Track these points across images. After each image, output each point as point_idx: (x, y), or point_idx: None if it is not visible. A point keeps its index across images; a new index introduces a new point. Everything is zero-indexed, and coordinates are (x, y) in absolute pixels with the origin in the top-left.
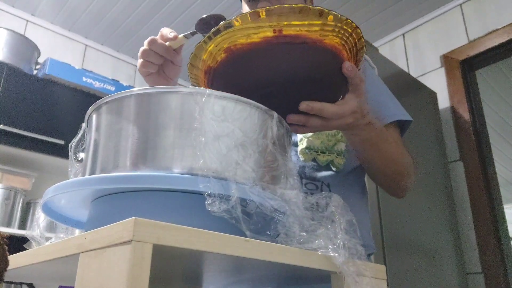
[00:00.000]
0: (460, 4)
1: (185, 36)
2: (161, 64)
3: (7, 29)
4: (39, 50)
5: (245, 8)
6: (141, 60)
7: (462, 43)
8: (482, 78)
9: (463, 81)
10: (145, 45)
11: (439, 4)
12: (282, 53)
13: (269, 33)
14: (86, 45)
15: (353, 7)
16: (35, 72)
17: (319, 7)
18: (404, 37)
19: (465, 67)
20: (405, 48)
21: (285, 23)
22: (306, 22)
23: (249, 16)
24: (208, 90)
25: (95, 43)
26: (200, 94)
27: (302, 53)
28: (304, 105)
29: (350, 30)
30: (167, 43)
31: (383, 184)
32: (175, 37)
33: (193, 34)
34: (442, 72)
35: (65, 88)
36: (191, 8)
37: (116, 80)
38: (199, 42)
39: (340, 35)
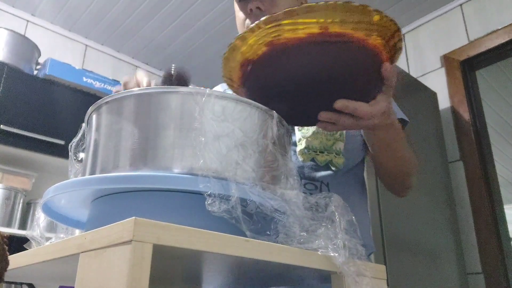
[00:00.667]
0: (461, 4)
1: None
2: None
3: (7, 29)
4: (39, 50)
5: (237, 8)
6: None
7: (463, 43)
8: (482, 78)
9: (464, 81)
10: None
11: (440, 4)
12: (325, 50)
13: (315, 30)
14: (87, 45)
15: None
16: (35, 72)
17: (367, 6)
18: (404, 37)
19: (466, 67)
20: (405, 48)
21: (330, 20)
22: (352, 20)
23: (296, 11)
24: (208, 90)
25: (95, 43)
26: (200, 94)
27: (345, 51)
28: (339, 103)
29: (392, 31)
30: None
31: (391, 183)
32: (148, 84)
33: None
34: (442, 72)
35: (66, 88)
36: (192, 8)
37: (116, 81)
38: (239, 35)
39: (382, 35)
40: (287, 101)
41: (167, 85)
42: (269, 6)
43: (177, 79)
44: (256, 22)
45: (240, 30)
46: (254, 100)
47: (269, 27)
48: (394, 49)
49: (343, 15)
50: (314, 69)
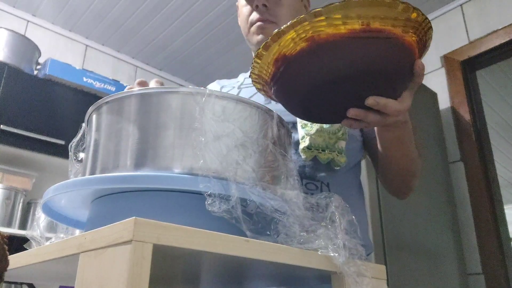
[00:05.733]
0: (461, 5)
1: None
2: None
3: (7, 29)
4: (39, 50)
5: (241, 3)
6: None
7: (463, 43)
8: (482, 79)
9: (464, 81)
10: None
11: (440, 4)
12: (364, 46)
13: (357, 26)
14: (87, 45)
15: None
16: (35, 72)
17: (408, 3)
18: None
19: (466, 68)
20: None
21: (371, 15)
22: (392, 17)
23: (336, 6)
24: (208, 90)
25: (96, 43)
26: (200, 94)
27: (384, 48)
28: (371, 100)
29: (426, 29)
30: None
31: (395, 183)
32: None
33: None
34: (442, 72)
35: (66, 89)
36: (192, 9)
37: (116, 81)
38: (278, 30)
39: (417, 33)
40: (317, 98)
41: None
42: (274, 4)
43: None
44: (296, 18)
45: (243, 25)
46: (283, 97)
47: (307, 24)
48: (424, 47)
49: (385, 11)
50: (352, 65)
